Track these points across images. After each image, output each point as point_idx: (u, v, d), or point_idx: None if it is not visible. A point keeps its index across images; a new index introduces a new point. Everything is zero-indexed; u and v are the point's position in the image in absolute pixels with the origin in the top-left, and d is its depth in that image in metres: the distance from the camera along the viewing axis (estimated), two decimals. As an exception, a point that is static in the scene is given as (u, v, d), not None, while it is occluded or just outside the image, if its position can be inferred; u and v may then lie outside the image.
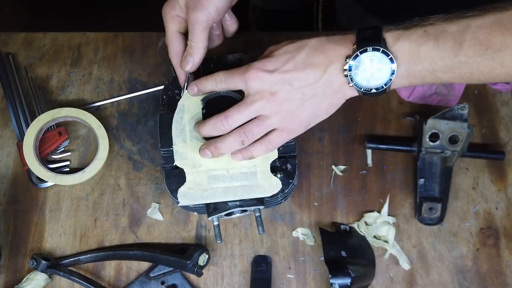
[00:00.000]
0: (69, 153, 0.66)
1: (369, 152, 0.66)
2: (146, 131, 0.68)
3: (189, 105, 0.55)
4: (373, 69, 0.45)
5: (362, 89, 0.46)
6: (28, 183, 0.64)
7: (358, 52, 0.45)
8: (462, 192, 0.64)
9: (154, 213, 0.63)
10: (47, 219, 0.63)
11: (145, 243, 0.62)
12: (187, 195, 0.53)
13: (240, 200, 0.53)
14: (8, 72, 0.70)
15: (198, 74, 0.58)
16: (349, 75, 0.46)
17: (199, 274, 0.57)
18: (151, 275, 0.59)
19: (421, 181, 0.63)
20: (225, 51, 0.71)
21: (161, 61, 0.72)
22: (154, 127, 0.68)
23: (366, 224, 0.62)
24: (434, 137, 0.60)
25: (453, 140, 0.60)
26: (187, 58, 0.52)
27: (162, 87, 0.59)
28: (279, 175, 0.53)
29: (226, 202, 0.54)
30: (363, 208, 0.64)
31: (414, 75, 0.45)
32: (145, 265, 0.61)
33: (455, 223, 0.63)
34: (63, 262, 0.59)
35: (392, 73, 0.45)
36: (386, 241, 0.62)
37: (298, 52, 0.47)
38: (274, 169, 0.54)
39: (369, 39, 0.45)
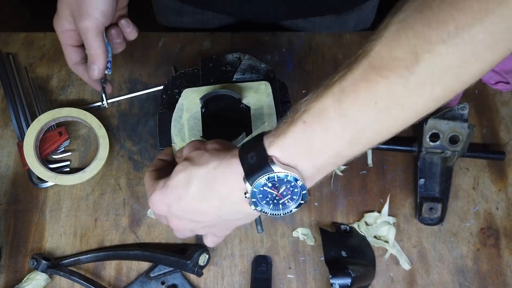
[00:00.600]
0: (70, 153, 0.66)
1: (369, 152, 0.66)
2: (147, 131, 0.68)
3: (188, 104, 0.55)
4: (280, 191, 0.39)
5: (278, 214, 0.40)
6: (29, 183, 0.64)
7: (253, 188, 0.38)
8: (462, 192, 0.64)
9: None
10: (48, 219, 0.63)
11: (145, 243, 0.62)
12: None
13: None
14: (9, 72, 0.70)
15: (198, 77, 0.57)
16: (254, 207, 0.39)
17: (199, 274, 0.57)
18: (151, 275, 0.59)
19: (422, 181, 0.63)
20: (225, 50, 0.71)
21: (161, 61, 0.72)
22: (155, 127, 0.68)
23: (367, 224, 0.62)
24: (434, 137, 0.60)
25: (453, 140, 0.60)
26: (91, 66, 0.53)
27: (162, 87, 0.59)
28: None
29: None
30: (363, 208, 0.64)
31: (323, 168, 0.38)
32: (145, 265, 0.61)
33: (456, 223, 0.63)
34: (63, 262, 0.59)
35: (302, 188, 0.38)
36: (386, 241, 0.61)
37: (189, 189, 0.40)
38: None
39: (256, 167, 0.37)
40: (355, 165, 0.65)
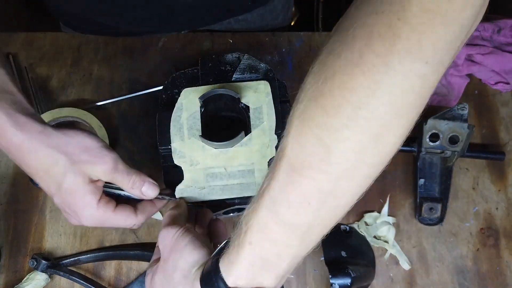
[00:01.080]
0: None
1: (369, 152, 0.66)
2: (147, 131, 0.68)
3: (187, 103, 0.55)
4: None
5: None
6: (29, 183, 0.64)
7: None
8: (462, 192, 0.64)
9: (155, 214, 0.63)
10: (47, 219, 0.63)
11: (145, 243, 0.62)
12: (184, 193, 0.53)
13: (237, 198, 0.53)
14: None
15: (197, 77, 0.58)
16: None
17: None
18: (151, 275, 0.59)
19: (421, 181, 0.63)
20: (225, 50, 0.71)
21: (161, 61, 0.72)
22: (154, 127, 0.67)
23: (366, 224, 0.62)
24: (434, 137, 0.60)
25: (453, 140, 0.60)
26: (143, 191, 0.48)
27: (162, 87, 0.59)
28: None
29: (223, 200, 0.54)
30: (363, 208, 0.64)
31: (288, 271, 0.37)
32: (145, 265, 0.61)
33: (455, 223, 0.63)
34: (63, 262, 0.59)
35: None
36: (386, 241, 0.61)
37: None
38: None
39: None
40: (355, 165, 0.65)
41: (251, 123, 0.54)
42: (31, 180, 0.64)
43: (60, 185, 0.43)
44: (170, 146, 0.54)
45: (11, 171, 0.65)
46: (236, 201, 0.54)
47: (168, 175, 0.55)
